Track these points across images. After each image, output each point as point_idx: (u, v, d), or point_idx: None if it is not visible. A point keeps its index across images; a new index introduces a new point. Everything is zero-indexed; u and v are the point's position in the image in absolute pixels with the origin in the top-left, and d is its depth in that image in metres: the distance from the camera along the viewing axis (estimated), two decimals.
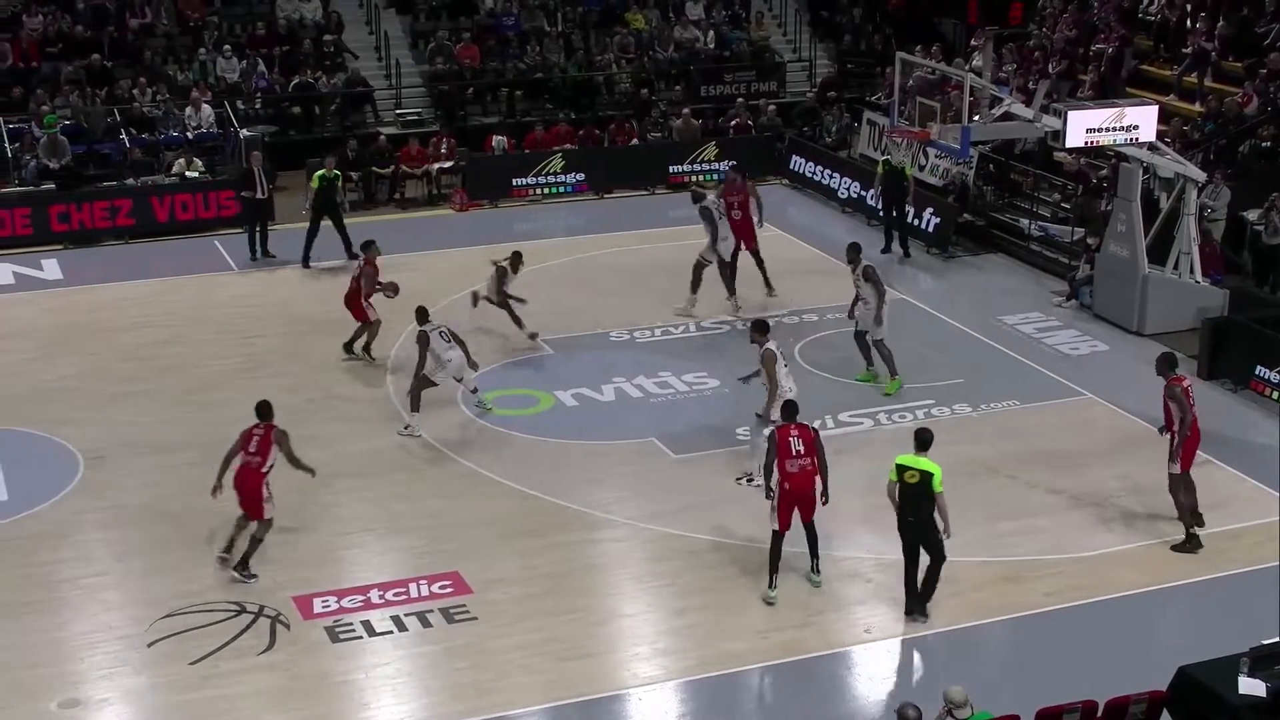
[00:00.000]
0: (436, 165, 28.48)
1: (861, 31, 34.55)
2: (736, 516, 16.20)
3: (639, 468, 17.52)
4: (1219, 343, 19.86)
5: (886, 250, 24.92)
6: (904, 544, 14.12)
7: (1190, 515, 15.55)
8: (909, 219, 25.21)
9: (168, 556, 15.40)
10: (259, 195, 24.68)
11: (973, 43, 30.95)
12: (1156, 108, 21.87)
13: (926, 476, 13.79)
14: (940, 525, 13.88)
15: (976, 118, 22.06)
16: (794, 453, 14.34)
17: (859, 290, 19.30)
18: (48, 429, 18.35)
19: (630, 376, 19.90)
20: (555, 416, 18.89)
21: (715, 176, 28.04)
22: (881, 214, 25.47)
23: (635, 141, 30.19)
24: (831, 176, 28.38)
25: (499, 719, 12.85)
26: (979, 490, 16.63)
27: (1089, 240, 23.22)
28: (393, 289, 20.20)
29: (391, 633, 14.09)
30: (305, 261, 24.42)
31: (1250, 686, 11.67)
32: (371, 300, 20.09)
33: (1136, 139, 20.96)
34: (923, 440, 14.05)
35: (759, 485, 15.86)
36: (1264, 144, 24.71)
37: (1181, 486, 15.52)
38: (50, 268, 24.60)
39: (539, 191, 28.51)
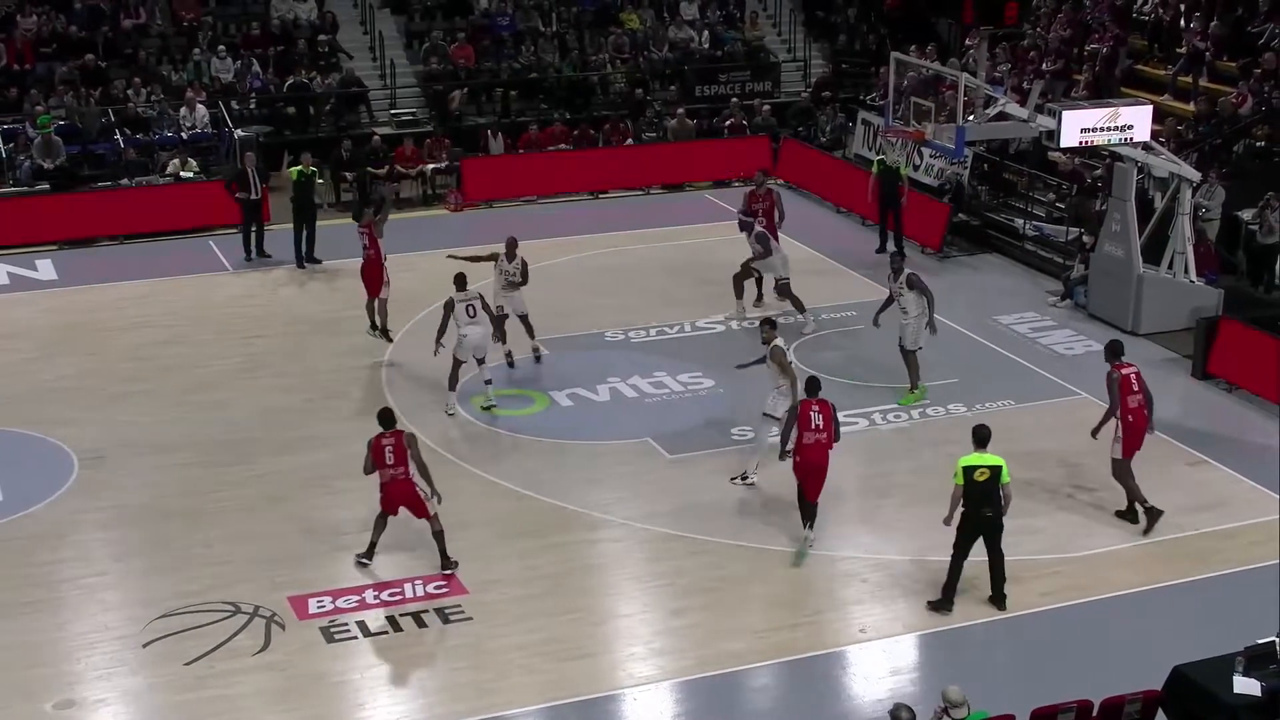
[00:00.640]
0: (431, 166, 28.49)
1: (856, 31, 34.56)
2: (733, 516, 16.24)
3: (635, 468, 17.53)
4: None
5: (881, 250, 24.93)
6: (964, 541, 14.20)
7: (1138, 493, 15.97)
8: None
9: (166, 557, 15.41)
10: (253, 196, 24.67)
11: (967, 42, 30.98)
12: (1151, 107, 21.89)
13: (995, 471, 13.98)
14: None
15: (971, 117, 22.08)
16: (813, 426, 15.07)
17: (899, 300, 18.79)
18: (45, 429, 18.34)
19: (625, 377, 19.91)
20: (550, 417, 18.90)
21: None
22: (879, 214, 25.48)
23: (630, 141, 30.20)
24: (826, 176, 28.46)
25: (496, 719, 12.87)
26: None
27: (1084, 240, 23.25)
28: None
29: (387, 633, 14.11)
30: (300, 261, 24.41)
31: (1245, 686, 11.70)
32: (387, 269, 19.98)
33: (1131, 139, 20.99)
34: (982, 436, 14.20)
35: (752, 484, 16.68)
36: (1258, 144, 24.75)
37: (1126, 471, 15.92)
38: (45, 268, 24.58)
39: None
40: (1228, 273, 22.80)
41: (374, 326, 20.59)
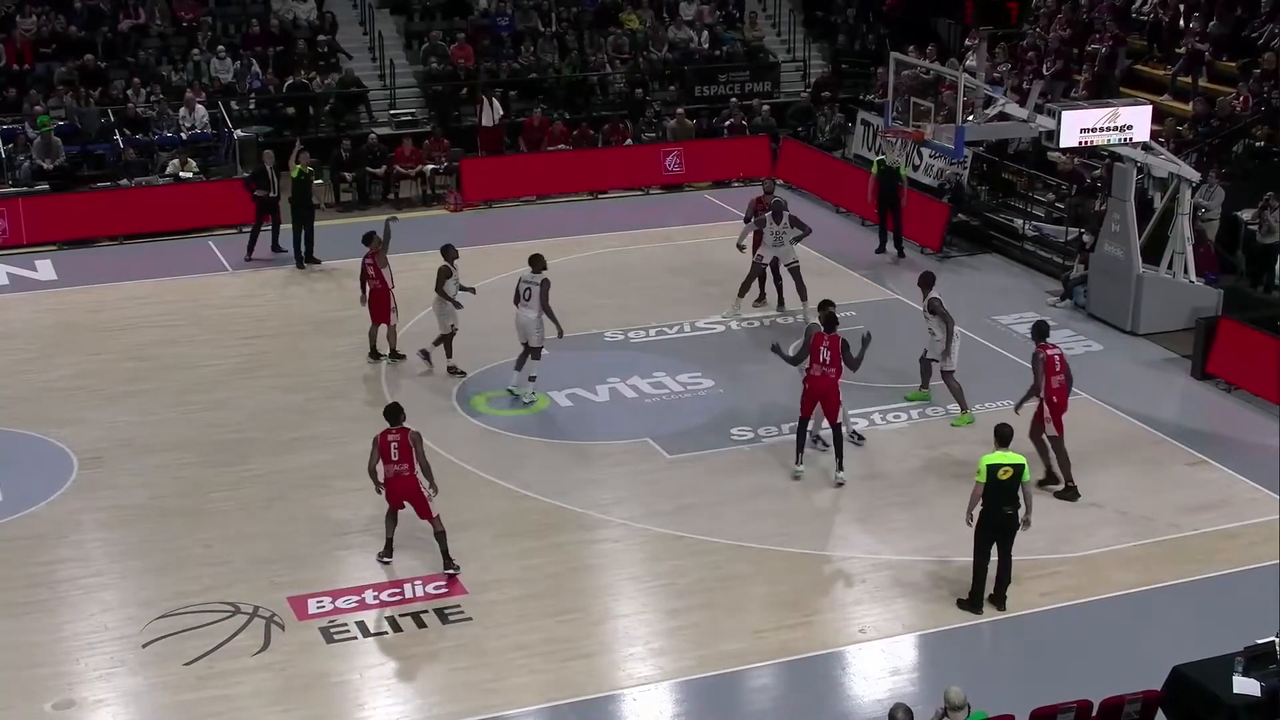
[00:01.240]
0: (430, 166, 28.50)
1: (856, 31, 34.56)
2: (732, 517, 16.24)
3: (634, 468, 17.53)
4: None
5: (881, 250, 24.96)
6: (984, 539, 14.18)
7: (1065, 469, 16.49)
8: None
9: (165, 557, 15.41)
10: (271, 194, 24.72)
11: (967, 43, 30.99)
12: (1150, 108, 21.89)
13: (1018, 469, 14.01)
14: (1023, 514, 14.16)
15: (971, 118, 22.08)
16: (821, 360, 16.61)
17: (927, 321, 18.72)
18: (44, 430, 18.34)
19: (625, 377, 19.90)
20: (550, 417, 18.89)
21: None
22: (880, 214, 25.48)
23: (629, 141, 30.21)
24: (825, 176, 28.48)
25: (496, 719, 12.87)
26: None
27: (1083, 240, 23.26)
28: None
29: (386, 633, 14.11)
30: (299, 262, 24.40)
31: (1245, 686, 11.71)
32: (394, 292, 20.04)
33: (1130, 139, 20.99)
34: (1004, 435, 14.23)
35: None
36: (1258, 144, 24.75)
37: (1062, 447, 16.44)
38: (44, 268, 24.58)
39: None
40: (1227, 273, 22.79)
41: (373, 353, 20.40)
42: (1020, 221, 25.51)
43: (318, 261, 24.41)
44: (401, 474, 14.75)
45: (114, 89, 28.89)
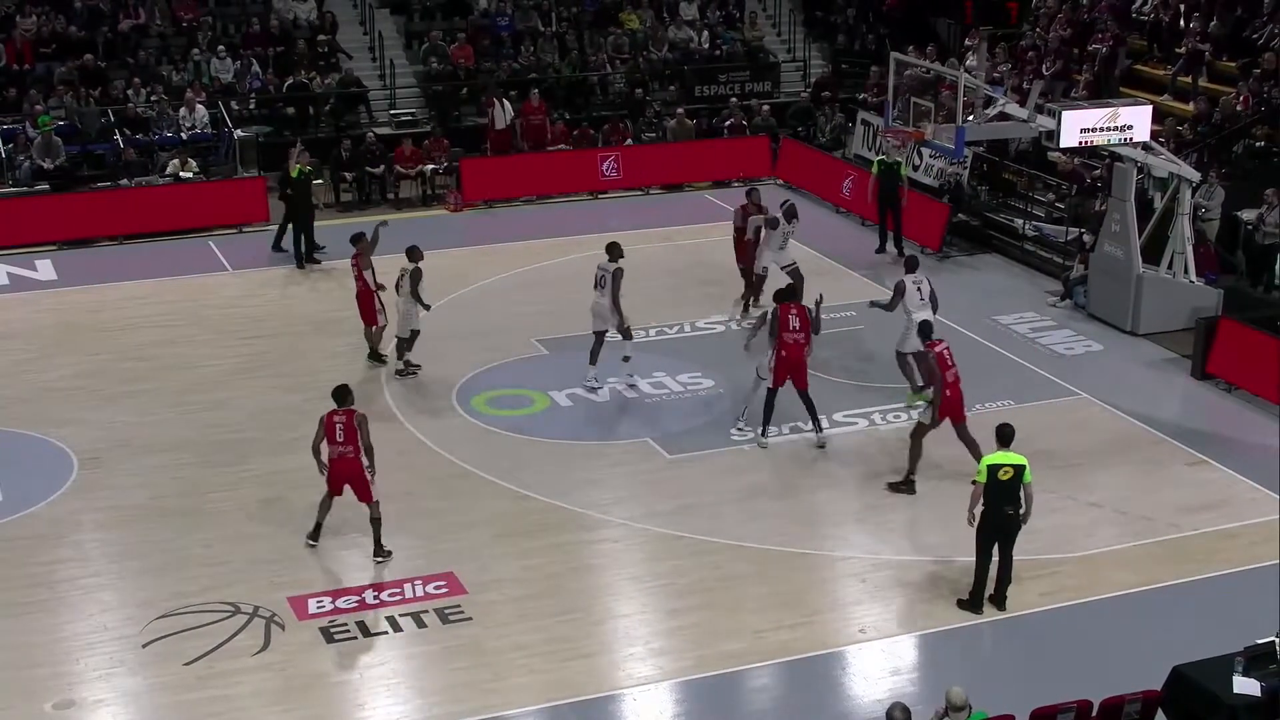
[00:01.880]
0: (430, 166, 28.49)
1: (856, 32, 34.56)
2: (732, 517, 16.24)
3: (634, 468, 17.53)
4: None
5: (881, 250, 24.96)
6: (986, 539, 14.17)
7: (915, 463, 16.73)
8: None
9: (164, 557, 15.40)
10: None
11: (967, 43, 30.99)
12: (1150, 108, 21.88)
13: (1019, 470, 14.00)
14: (1023, 513, 14.19)
15: (971, 118, 22.07)
16: (791, 328, 17.27)
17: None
18: (44, 430, 18.34)
19: (626, 377, 19.89)
20: (550, 417, 18.89)
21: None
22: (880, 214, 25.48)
23: (629, 142, 30.21)
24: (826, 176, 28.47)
25: (496, 719, 12.87)
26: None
27: (1083, 240, 23.25)
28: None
29: (386, 633, 14.10)
30: (299, 262, 24.40)
31: (1245, 686, 11.70)
32: (381, 296, 19.99)
33: (1131, 139, 20.98)
34: (1005, 435, 14.21)
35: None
36: (1258, 144, 24.75)
37: (922, 437, 16.65)
38: (44, 268, 24.58)
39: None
40: (1227, 273, 22.79)
41: (372, 354, 20.42)
42: (1020, 221, 25.50)
43: (318, 261, 24.42)
44: (346, 455, 14.90)
45: (114, 89, 28.88)
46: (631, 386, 19.45)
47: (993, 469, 13.99)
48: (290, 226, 24.79)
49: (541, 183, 28.81)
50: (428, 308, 19.67)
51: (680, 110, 30.74)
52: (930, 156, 27.02)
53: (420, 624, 14.22)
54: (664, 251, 25.21)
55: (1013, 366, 20.55)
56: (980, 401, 18.98)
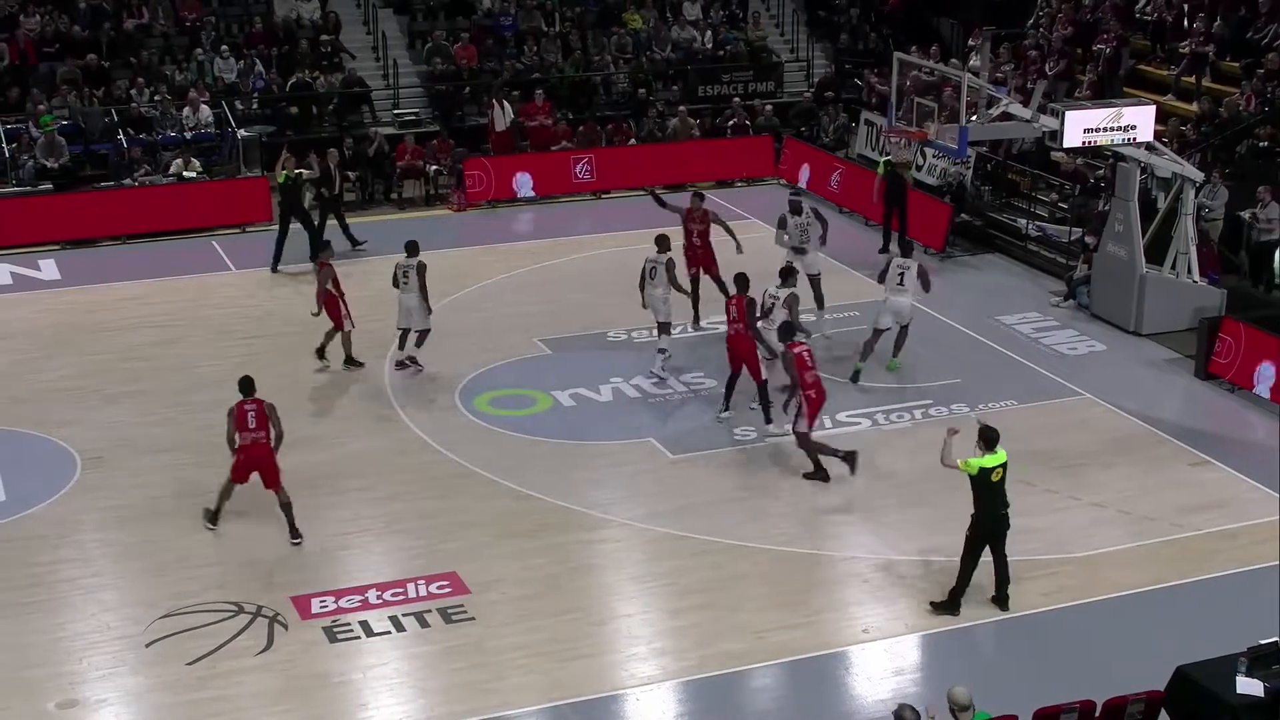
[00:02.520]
0: (433, 166, 28.49)
1: (859, 32, 34.54)
2: (734, 517, 16.24)
3: (636, 468, 17.52)
4: None
5: (885, 250, 24.93)
6: (980, 542, 14.15)
7: (823, 454, 16.95)
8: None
9: (165, 557, 15.41)
10: (336, 191, 25.17)
11: (970, 43, 30.97)
12: (1154, 108, 21.87)
13: (1005, 468, 14.03)
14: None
15: (974, 118, 22.06)
16: (730, 317, 18.31)
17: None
18: (46, 429, 18.35)
19: (628, 377, 19.89)
20: (553, 417, 18.89)
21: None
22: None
23: (632, 141, 30.19)
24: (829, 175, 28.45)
25: (497, 719, 12.86)
26: None
27: (1086, 240, 23.24)
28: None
29: (389, 633, 14.10)
30: (274, 266, 24.28)
31: (1248, 686, 11.69)
32: (347, 304, 19.95)
33: (1134, 139, 20.97)
34: (990, 438, 14.11)
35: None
36: (1261, 144, 24.73)
37: (809, 441, 16.91)
38: (48, 268, 24.60)
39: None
40: (1230, 273, 22.77)
41: (347, 360, 20.26)
42: (1023, 221, 25.50)
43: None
44: (259, 441, 15.40)
45: (117, 88, 28.89)
46: (661, 380, 19.62)
47: (985, 472, 13.96)
48: (338, 218, 24.97)
49: (544, 183, 28.74)
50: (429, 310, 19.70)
51: (682, 109, 30.73)
52: (934, 156, 27.01)
53: (423, 624, 14.21)
54: None
55: (1016, 366, 20.54)
56: (984, 401, 19.01)
